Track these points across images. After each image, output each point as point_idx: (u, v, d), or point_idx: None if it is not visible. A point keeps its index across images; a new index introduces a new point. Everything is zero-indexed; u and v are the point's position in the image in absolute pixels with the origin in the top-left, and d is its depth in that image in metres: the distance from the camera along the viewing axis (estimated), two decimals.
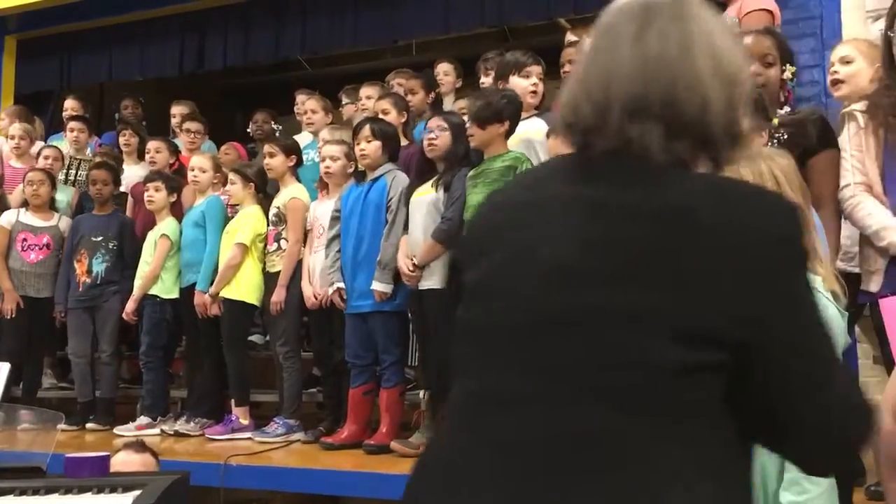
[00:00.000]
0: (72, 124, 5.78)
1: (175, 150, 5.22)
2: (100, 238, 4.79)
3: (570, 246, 0.99)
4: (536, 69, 3.81)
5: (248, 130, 6.11)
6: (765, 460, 1.61)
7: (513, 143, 3.54)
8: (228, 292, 4.30)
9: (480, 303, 1.06)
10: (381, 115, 4.30)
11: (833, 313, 1.64)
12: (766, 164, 1.73)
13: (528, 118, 3.67)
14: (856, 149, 2.72)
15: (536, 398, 0.96)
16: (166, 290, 4.61)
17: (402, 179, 3.89)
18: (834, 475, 1.17)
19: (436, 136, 3.70)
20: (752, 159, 1.74)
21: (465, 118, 3.76)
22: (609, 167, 1.03)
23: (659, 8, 1.06)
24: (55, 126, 6.66)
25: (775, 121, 2.58)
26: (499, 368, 1.01)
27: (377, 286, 3.73)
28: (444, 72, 4.95)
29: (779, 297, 0.95)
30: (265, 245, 4.36)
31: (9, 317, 4.77)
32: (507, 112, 3.47)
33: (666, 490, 0.91)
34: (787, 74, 2.83)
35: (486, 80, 4.36)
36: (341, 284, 3.91)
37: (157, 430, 4.40)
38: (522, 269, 1.02)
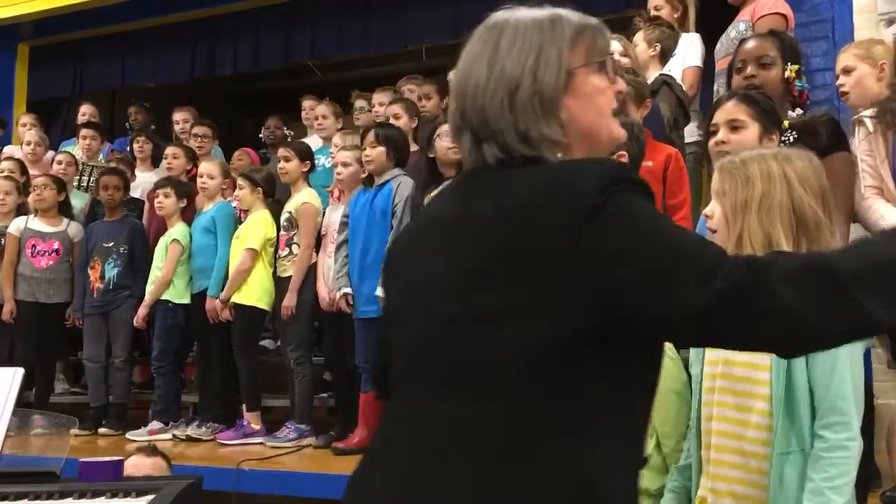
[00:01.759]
0: (84, 131, 5.81)
1: (193, 156, 5.24)
2: (111, 244, 4.81)
3: (439, 264, 1.10)
4: None
5: (261, 136, 6.13)
6: (786, 468, 1.60)
7: None
8: (239, 297, 4.31)
9: (392, 324, 1.20)
10: (392, 120, 4.31)
11: None
12: (777, 164, 1.70)
13: None
14: (866, 153, 2.72)
15: (430, 401, 1.08)
16: (178, 295, 4.63)
17: (408, 185, 3.89)
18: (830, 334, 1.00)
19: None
20: (763, 159, 1.73)
21: None
22: (472, 182, 1.15)
23: (485, 27, 1.17)
24: (68, 132, 6.71)
25: (786, 123, 2.57)
26: (406, 379, 1.14)
27: (381, 292, 3.73)
28: (450, 77, 4.92)
29: (612, 243, 0.99)
30: (276, 250, 4.37)
31: (8, 322, 4.79)
32: None
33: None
34: (789, 73, 2.81)
35: None
36: (348, 290, 3.91)
37: (169, 435, 4.41)
38: (411, 293, 1.16)
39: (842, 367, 1.58)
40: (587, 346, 1.00)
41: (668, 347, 2.06)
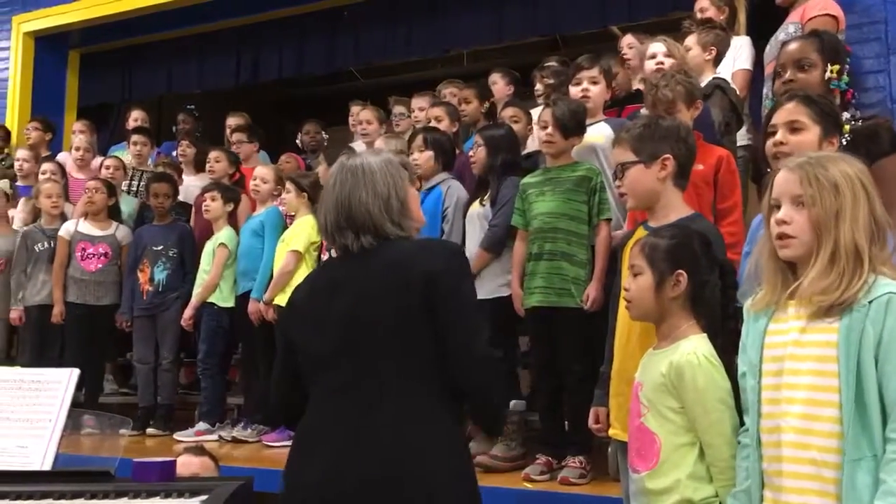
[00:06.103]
0: (135, 137, 5.90)
1: (235, 161, 5.30)
2: (160, 247, 4.88)
3: (347, 305, 1.89)
4: (587, 74, 3.64)
5: (297, 141, 6.18)
6: (858, 474, 1.56)
7: (578, 148, 3.48)
8: (282, 299, 4.33)
9: (308, 342, 1.96)
10: (433, 123, 4.31)
11: None
12: (850, 168, 1.68)
13: (592, 124, 3.54)
14: None
15: (348, 389, 1.87)
16: (223, 298, 4.68)
17: (457, 188, 3.89)
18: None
19: (472, 152, 3.73)
20: (834, 161, 1.69)
21: (517, 125, 3.78)
22: (352, 258, 1.96)
23: (344, 168, 1.99)
24: (116, 137, 6.83)
25: (846, 127, 2.50)
26: (329, 376, 1.91)
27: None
28: (493, 80, 4.90)
29: (446, 292, 1.84)
30: (319, 253, 4.40)
31: (58, 324, 4.90)
32: (585, 125, 3.44)
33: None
34: (829, 74, 2.74)
35: (540, 88, 4.33)
36: None
37: (215, 437, 4.45)
38: (327, 318, 1.92)
39: None
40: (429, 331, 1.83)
41: (711, 354, 2.00)
